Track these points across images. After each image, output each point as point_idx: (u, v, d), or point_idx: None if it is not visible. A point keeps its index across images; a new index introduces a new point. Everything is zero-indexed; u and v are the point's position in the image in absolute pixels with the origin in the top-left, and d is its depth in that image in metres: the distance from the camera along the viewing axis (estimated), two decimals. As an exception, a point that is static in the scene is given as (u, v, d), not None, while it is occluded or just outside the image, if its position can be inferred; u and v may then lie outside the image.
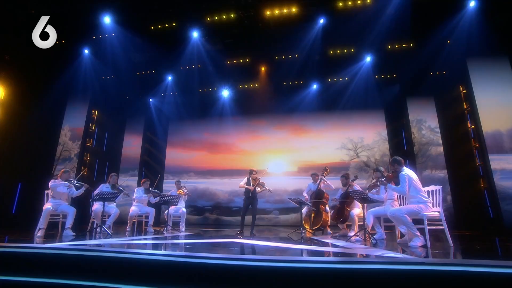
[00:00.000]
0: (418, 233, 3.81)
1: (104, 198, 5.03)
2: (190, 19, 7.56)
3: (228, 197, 10.06)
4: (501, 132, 6.06)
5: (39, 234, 4.64)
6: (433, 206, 3.89)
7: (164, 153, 10.79)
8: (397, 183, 3.93)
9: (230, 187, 10.15)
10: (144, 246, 3.75)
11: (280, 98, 10.06)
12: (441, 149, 8.03)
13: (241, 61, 9.14)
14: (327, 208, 6.12)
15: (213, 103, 10.51)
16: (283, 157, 10.16)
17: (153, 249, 3.53)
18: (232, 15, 7.30)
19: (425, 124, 8.32)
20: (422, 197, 3.82)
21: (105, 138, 10.03)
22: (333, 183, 6.29)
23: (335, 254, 3.23)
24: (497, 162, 5.95)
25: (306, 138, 10.17)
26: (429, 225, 3.81)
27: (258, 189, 6.24)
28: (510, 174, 5.77)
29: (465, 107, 6.76)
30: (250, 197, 6.15)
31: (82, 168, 8.48)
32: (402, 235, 4.40)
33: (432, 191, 3.99)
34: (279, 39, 8.13)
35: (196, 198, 9.93)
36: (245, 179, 6.42)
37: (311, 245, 4.18)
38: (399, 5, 6.80)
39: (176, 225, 6.57)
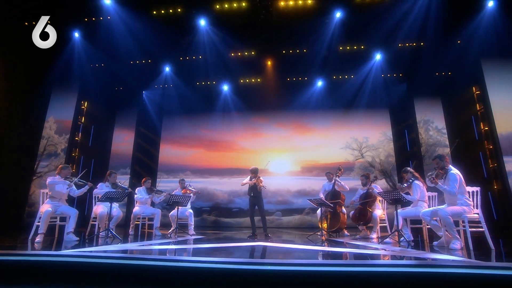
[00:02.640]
0: (458, 235, 3.82)
1: (111, 198, 4.63)
2: (198, 5, 7.22)
3: (228, 198, 9.79)
4: (515, 134, 6.31)
5: (38, 239, 4.17)
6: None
7: (158, 150, 10.32)
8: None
9: (230, 187, 9.89)
10: (172, 252, 3.45)
11: (283, 95, 9.93)
12: (448, 150, 8.23)
13: (246, 53, 8.89)
14: (344, 209, 6.06)
15: (212, 97, 10.19)
16: (285, 156, 10.03)
17: (182, 255, 3.25)
18: (243, 4, 7.05)
19: (432, 124, 8.52)
20: (467, 200, 3.82)
21: (91, 132, 9.39)
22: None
23: (394, 257, 3.12)
24: (511, 164, 6.17)
25: (309, 137, 10.10)
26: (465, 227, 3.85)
27: (261, 186, 6.00)
28: (525, 176, 6.01)
29: (478, 108, 6.95)
30: (253, 196, 5.97)
31: (70, 165, 7.86)
32: (430, 238, 4.42)
33: (470, 192, 4.00)
34: (290, 32, 7.96)
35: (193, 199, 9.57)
36: (248, 177, 6.25)
37: (351, 248, 4.04)
38: (416, 3, 6.89)
39: (181, 227, 6.24)
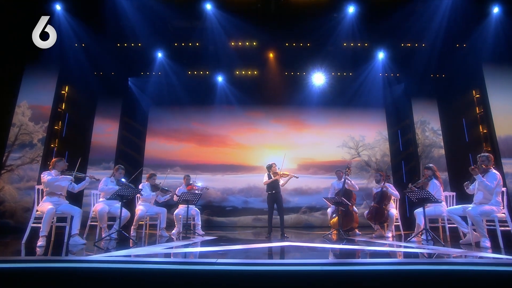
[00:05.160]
0: (487, 234, 4.07)
1: (123, 196, 4.25)
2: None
3: (220, 196, 9.56)
4: (512, 138, 6.89)
5: (40, 243, 3.70)
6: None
7: (144, 143, 9.76)
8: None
9: (223, 184, 9.66)
10: (209, 255, 3.24)
11: (281, 89, 9.86)
12: (442, 151, 8.77)
13: (247, 44, 8.68)
14: (355, 208, 6.20)
15: (205, 88, 9.83)
16: (281, 153, 9.95)
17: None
18: (255, -10, 6.85)
19: (429, 126, 8.99)
20: (500, 200, 4.09)
21: (65, 121, 8.56)
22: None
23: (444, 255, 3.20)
24: (508, 166, 6.72)
25: (306, 134, 10.16)
26: (492, 225, 4.12)
27: (281, 181, 6.05)
28: (521, 178, 6.59)
29: (478, 111, 7.46)
30: (274, 193, 5.96)
31: (49, 160, 7.13)
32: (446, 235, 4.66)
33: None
34: (297, 24, 7.90)
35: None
36: (266, 175, 6.23)
37: (391, 247, 4.10)
38: (424, 5, 7.18)
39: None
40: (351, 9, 7.15)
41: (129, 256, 3.02)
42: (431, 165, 5.15)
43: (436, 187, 5.00)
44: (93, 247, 3.79)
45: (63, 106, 7.74)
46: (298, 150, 10.02)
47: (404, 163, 9.40)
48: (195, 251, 3.52)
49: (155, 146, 9.84)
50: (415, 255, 3.39)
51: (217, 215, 9.41)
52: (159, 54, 8.71)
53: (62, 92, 7.70)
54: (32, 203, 6.56)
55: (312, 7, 7.45)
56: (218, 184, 9.64)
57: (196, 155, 9.89)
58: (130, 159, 9.21)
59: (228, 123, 10.11)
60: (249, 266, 2.29)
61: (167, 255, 3.19)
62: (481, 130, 7.29)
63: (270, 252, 3.62)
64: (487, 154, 4.40)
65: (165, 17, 7.66)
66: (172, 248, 3.76)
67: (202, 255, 3.27)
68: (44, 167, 6.93)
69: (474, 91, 7.59)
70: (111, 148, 8.95)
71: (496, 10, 6.74)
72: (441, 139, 8.85)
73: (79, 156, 8.46)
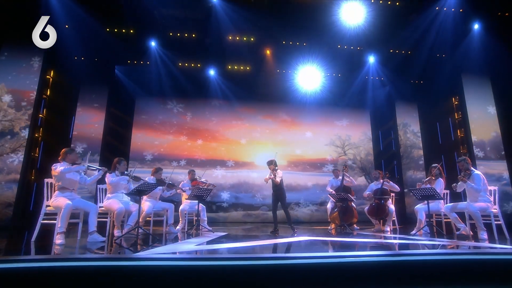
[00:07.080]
0: (484, 227, 4.55)
1: (140, 191, 4.05)
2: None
3: (211, 191, 9.39)
4: (484, 141, 7.70)
5: (60, 241, 3.41)
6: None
7: (131, 135, 9.27)
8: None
9: (213, 179, 9.47)
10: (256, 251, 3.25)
11: (274, 86, 9.96)
12: (421, 152, 9.52)
13: (244, 39, 8.63)
14: (353, 203, 6.52)
15: (196, 82, 9.58)
16: (271, 150, 10.10)
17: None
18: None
19: (410, 128, 9.70)
20: (489, 197, 4.58)
21: (41, 108, 7.82)
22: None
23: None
24: (481, 168, 7.50)
25: (295, 131, 10.37)
26: (488, 220, 4.62)
27: (278, 179, 6.17)
28: (492, 178, 7.40)
29: (456, 116, 8.22)
30: (274, 190, 6.10)
31: (33, 150, 6.51)
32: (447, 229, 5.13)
33: (490, 190, 4.78)
34: (296, 21, 8.05)
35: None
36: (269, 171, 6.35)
37: (407, 240, 4.39)
38: (418, 17, 7.72)
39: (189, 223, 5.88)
40: (349, 11, 7.41)
41: (171, 253, 2.92)
42: (436, 164, 5.51)
43: (442, 185, 5.42)
44: (115, 245, 3.58)
45: (48, 92, 7.07)
46: (288, 147, 10.21)
47: (387, 162, 10.04)
48: (235, 247, 3.49)
49: (142, 139, 9.41)
50: (438, 246, 3.70)
51: (207, 210, 9.19)
52: (153, 43, 8.30)
53: (47, 77, 7.03)
54: (13, 198, 6.00)
55: (310, 6, 7.63)
56: (208, 179, 9.40)
57: (185, 149, 9.64)
58: (117, 151, 8.69)
59: (218, 118, 9.98)
60: (325, 259, 2.36)
61: (209, 251, 3.13)
62: (459, 134, 8.05)
63: (324, 245, 3.71)
64: (463, 157, 4.88)
65: (163, 4, 7.35)
66: (204, 244, 3.68)
67: (249, 250, 3.26)
68: (28, 157, 6.34)
69: (453, 98, 8.34)
70: (96, 139, 8.37)
71: (476, 26, 7.46)
72: (420, 140, 9.59)
73: (60, 148, 7.93)
